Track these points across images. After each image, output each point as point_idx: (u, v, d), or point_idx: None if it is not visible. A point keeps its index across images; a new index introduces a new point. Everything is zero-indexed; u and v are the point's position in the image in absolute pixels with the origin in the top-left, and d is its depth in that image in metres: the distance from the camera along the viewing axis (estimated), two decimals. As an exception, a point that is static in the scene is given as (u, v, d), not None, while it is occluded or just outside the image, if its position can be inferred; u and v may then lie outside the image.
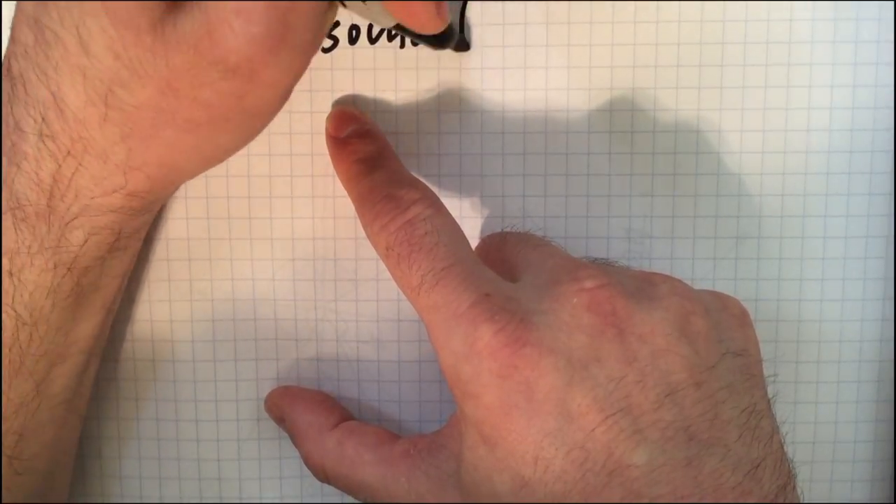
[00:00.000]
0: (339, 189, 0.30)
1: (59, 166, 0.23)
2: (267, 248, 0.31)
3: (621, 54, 0.30)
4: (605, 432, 0.22)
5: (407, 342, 0.31)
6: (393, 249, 0.25)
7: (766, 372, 0.25)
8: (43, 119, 0.22)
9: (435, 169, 0.30)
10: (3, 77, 0.23)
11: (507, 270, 0.26)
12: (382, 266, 0.31)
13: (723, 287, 0.31)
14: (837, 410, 0.31)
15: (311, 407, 0.29)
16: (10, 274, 0.24)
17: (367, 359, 0.31)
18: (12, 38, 0.23)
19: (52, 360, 0.26)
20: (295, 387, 0.31)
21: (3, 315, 0.24)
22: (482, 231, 0.31)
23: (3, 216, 0.23)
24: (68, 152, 0.22)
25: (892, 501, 0.31)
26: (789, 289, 0.31)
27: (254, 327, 0.31)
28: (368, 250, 0.31)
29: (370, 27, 0.30)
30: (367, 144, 0.28)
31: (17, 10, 0.22)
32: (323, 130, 0.30)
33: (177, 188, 0.25)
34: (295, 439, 0.29)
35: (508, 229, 0.28)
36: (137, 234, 0.27)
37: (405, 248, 0.24)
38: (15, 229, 0.23)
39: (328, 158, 0.30)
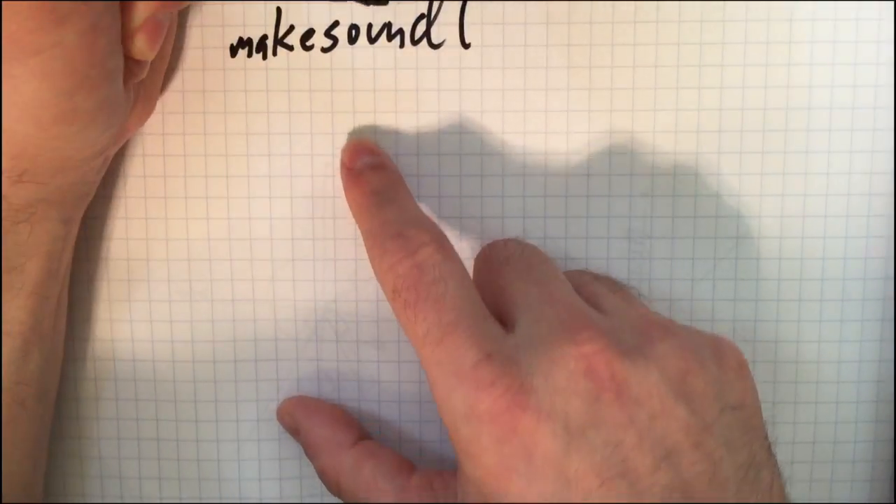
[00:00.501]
0: (339, 189, 0.30)
1: None
2: (266, 249, 0.31)
3: (621, 54, 0.30)
4: (603, 496, 0.22)
5: (407, 342, 0.31)
6: (400, 294, 0.25)
7: (764, 396, 0.25)
8: None
9: (435, 169, 0.30)
10: None
11: (504, 303, 0.25)
12: (382, 266, 0.31)
13: (722, 287, 0.31)
14: (837, 410, 0.31)
15: (328, 421, 0.30)
16: None
17: (367, 359, 0.31)
18: None
19: None
20: (311, 398, 0.31)
21: None
22: (482, 230, 0.31)
23: None
24: None
25: (892, 501, 0.31)
26: (789, 289, 0.31)
27: (253, 328, 0.31)
28: (368, 250, 0.31)
29: (370, 26, 0.30)
30: (380, 177, 0.29)
31: None
32: (322, 131, 0.30)
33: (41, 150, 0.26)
34: (310, 452, 0.29)
35: (511, 242, 0.28)
36: (40, 211, 0.27)
37: (412, 295, 0.25)
38: None
39: (328, 159, 0.30)
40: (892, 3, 0.29)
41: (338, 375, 0.31)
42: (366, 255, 0.30)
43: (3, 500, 0.28)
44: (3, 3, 0.22)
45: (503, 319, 0.25)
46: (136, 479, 0.32)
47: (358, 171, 0.29)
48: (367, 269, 0.30)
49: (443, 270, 0.25)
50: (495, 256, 0.27)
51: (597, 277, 0.28)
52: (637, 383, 0.23)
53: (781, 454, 0.30)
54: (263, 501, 0.32)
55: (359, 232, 0.31)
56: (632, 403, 0.23)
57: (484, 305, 0.25)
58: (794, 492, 0.31)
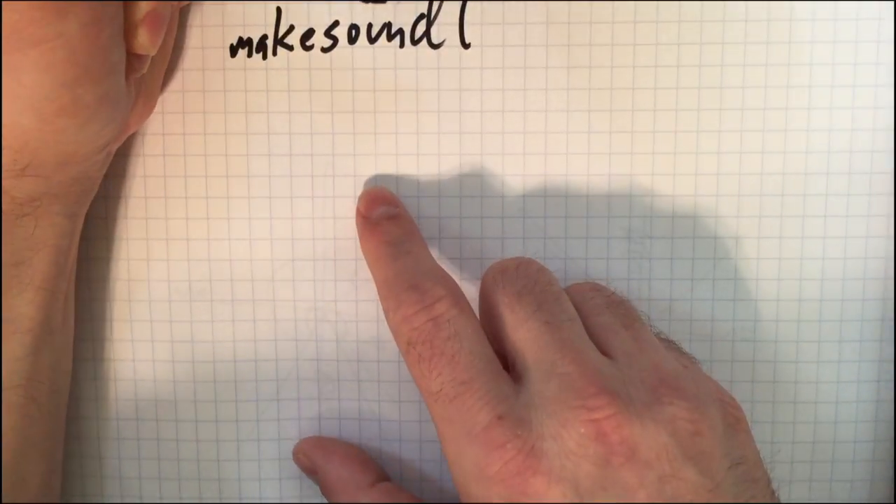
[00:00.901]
0: (339, 189, 0.30)
1: None
2: (266, 249, 0.31)
3: (621, 54, 0.30)
4: None
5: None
6: (415, 347, 0.25)
7: (763, 425, 0.26)
8: None
9: (435, 169, 0.30)
10: None
11: (512, 347, 0.25)
12: (382, 266, 0.31)
13: (722, 287, 0.31)
14: (837, 410, 0.31)
15: (346, 462, 0.30)
16: None
17: (367, 359, 0.31)
18: None
19: None
20: (328, 439, 0.31)
21: None
22: (482, 230, 0.31)
23: None
24: None
25: (893, 501, 0.31)
26: (789, 288, 0.31)
27: (253, 328, 0.31)
28: (368, 250, 0.31)
29: (370, 26, 0.30)
30: (396, 228, 0.29)
31: None
32: (322, 131, 0.30)
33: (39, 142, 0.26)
34: (328, 492, 0.29)
35: (521, 268, 0.27)
36: (44, 205, 0.27)
37: (427, 350, 0.25)
38: None
39: (328, 159, 0.30)
40: (892, 3, 0.29)
41: (338, 375, 0.31)
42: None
43: (22, 500, 0.28)
44: None
45: (511, 364, 0.25)
46: (136, 479, 0.32)
47: (374, 221, 0.29)
48: (367, 269, 0.30)
49: (458, 326, 0.25)
50: (506, 287, 0.26)
51: (609, 303, 0.27)
52: (647, 447, 0.23)
53: (781, 454, 0.31)
54: (263, 501, 0.32)
55: (357, 232, 0.31)
56: (642, 466, 0.23)
57: (497, 361, 0.25)
58: (794, 492, 0.31)
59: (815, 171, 0.30)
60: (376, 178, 0.30)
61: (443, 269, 0.27)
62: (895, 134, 0.30)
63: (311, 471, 0.31)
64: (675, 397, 0.24)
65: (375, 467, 0.30)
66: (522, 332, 0.25)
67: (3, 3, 0.22)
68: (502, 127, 0.30)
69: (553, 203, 0.30)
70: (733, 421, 0.25)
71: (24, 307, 0.27)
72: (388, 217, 0.29)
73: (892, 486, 0.31)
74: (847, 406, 0.31)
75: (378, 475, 0.30)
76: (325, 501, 0.30)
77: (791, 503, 0.25)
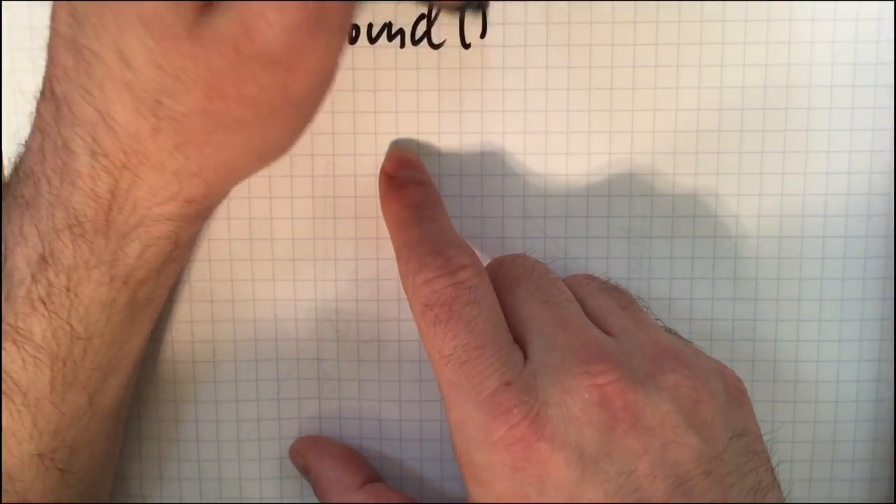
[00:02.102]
0: (340, 189, 0.30)
1: (116, 181, 0.23)
2: (267, 249, 0.31)
3: (621, 54, 0.30)
4: None
5: (407, 341, 0.31)
6: (431, 309, 0.25)
7: (763, 424, 0.26)
8: (93, 138, 0.22)
9: (436, 169, 0.30)
10: (44, 99, 0.23)
11: (515, 325, 0.26)
12: (383, 266, 0.31)
13: (722, 286, 0.31)
14: (837, 410, 0.31)
15: (337, 463, 0.30)
16: (67, 290, 0.24)
17: (367, 358, 0.31)
18: (51, 61, 0.23)
19: (105, 373, 0.26)
20: (322, 438, 0.31)
21: (59, 329, 0.24)
22: (482, 230, 0.31)
23: (61, 233, 0.23)
24: (123, 166, 0.22)
25: (892, 501, 0.31)
26: (788, 288, 0.31)
27: (253, 328, 0.31)
28: (368, 251, 0.31)
29: (370, 26, 0.30)
30: (422, 193, 0.29)
31: (52, 34, 0.22)
32: (324, 131, 0.30)
33: (230, 190, 0.26)
34: (319, 493, 0.30)
35: (519, 259, 0.28)
36: (190, 244, 0.27)
37: (444, 313, 0.25)
38: (73, 245, 0.24)
39: (328, 159, 0.30)
40: (892, 3, 0.29)
41: (338, 374, 0.31)
42: (366, 255, 0.31)
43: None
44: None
45: (514, 341, 0.25)
46: (138, 479, 0.32)
47: (400, 183, 0.29)
48: (367, 269, 0.31)
49: (477, 294, 0.25)
50: (504, 275, 0.27)
51: (604, 288, 0.28)
52: (650, 413, 0.23)
53: (781, 453, 0.31)
54: (264, 501, 0.32)
55: (359, 232, 0.31)
56: (645, 433, 0.23)
57: (509, 331, 0.25)
58: (794, 491, 0.31)
59: (814, 171, 0.30)
60: (377, 178, 0.30)
61: (465, 240, 0.27)
62: (894, 134, 0.30)
63: (305, 470, 0.31)
64: (676, 366, 0.24)
65: (367, 468, 0.30)
66: (522, 313, 0.26)
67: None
68: (503, 127, 0.30)
69: (553, 203, 0.31)
70: (736, 392, 0.25)
71: (140, 342, 0.27)
72: (415, 182, 0.29)
73: (892, 485, 0.31)
74: (847, 405, 0.31)
75: (369, 476, 0.30)
76: (325, 502, 0.30)
77: (791, 503, 0.25)
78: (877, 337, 0.31)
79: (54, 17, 0.22)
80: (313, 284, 0.31)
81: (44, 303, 0.24)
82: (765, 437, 0.25)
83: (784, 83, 0.30)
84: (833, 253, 0.31)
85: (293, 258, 0.31)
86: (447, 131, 0.30)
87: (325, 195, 0.31)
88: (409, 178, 0.29)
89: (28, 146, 0.24)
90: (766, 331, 0.31)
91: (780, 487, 0.25)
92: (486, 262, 0.28)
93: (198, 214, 0.25)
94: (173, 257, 0.26)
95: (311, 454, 0.30)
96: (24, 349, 0.24)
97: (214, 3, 0.20)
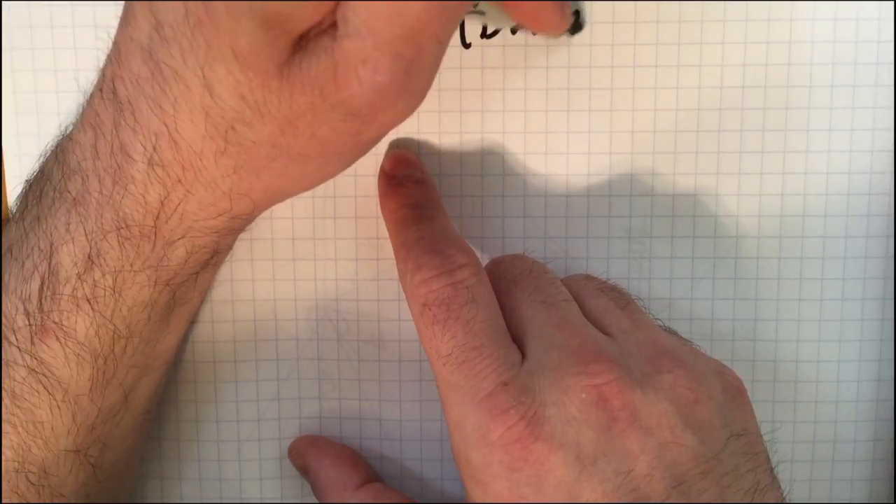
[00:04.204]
0: (340, 189, 0.30)
1: (168, 193, 0.23)
2: (267, 249, 0.31)
3: (621, 54, 0.30)
4: None
5: (408, 341, 0.31)
6: (430, 309, 0.25)
7: (764, 424, 0.26)
8: (154, 148, 0.22)
9: (436, 168, 0.30)
10: (103, 99, 0.23)
11: (513, 324, 0.26)
12: (383, 266, 0.31)
13: (722, 286, 0.31)
14: (837, 410, 0.31)
15: (336, 463, 0.30)
16: (113, 290, 0.24)
17: (367, 358, 0.31)
18: (118, 63, 0.22)
19: (140, 371, 0.26)
20: (321, 438, 0.31)
21: (102, 328, 0.25)
22: (482, 230, 0.31)
23: (109, 235, 0.24)
24: (178, 180, 0.23)
25: (893, 501, 0.31)
26: (789, 288, 0.31)
27: (253, 328, 0.31)
28: (368, 251, 0.31)
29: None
30: (421, 192, 0.29)
31: (126, 37, 0.22)
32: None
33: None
34: (318, 492, 0.30)
35: (517, 260, 0.28)
36: (228, 250, 0.27)
37: (442, 313, 0.25)
38: (120, 248, 0.24)
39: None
40: (893, 3, 0.29)
41: (338, 374, 0.31)
42: (366, 255, 0.31)
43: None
44: None
45: (512, 340, 0.25)
46: (139, 479, 0.32)
47: (399, 182, 0.29)
48: (367, 269, 0.31)
49: (475, 293, 0.25)
50: (502, 274, 0.27)
51: (603, 288, 0.28)
52: (648, 413, 0.23)
53: (781, 453, 0.31)
54: (264, 501, 0.32)
55: (359, 232, 0.31)
56: (642, 433, 0.23)
57: (507, 332, 0.25)
58: (794, 491, 0.31)
59: (815, 171, 0.30)
60: (377, 178, 0.30)
61: (464, 239, 0.27)
62: (895, 134, 0.30)
63: (304, 470, 0.31)
64: (674, 366, 0.24)
65: (365, 468, 0.30)
66: (520, 313, 0.26)
67: None
68: (503, 127, 0.30)
69: (553, 203, 0.31)
70: (735, 393, 0.25)
71: (175, 341, 0.28)
72: (414, 180, 0.29)
73: (892, 485, 0.31)
74: (847, 405, 0.31)
75: (367, 476, 0.30)
76: (325, 502, 0.30)
77: (791, 503, 0.25)
78: (877, 337, 0.31)
79: (132, 23, 0.22)
80: (313, 284, 0.31)
81: (89, 302, 0.24)
82: (765, 437, 0.25)
83: (784, 83, 0.30)
84: (833, 253, 0.31)
85: (293, 258, 0.31)
86: (447, 131, 0.30)
87: (325, 195, 0.31)
88: (409, 177, 0.29)
89: (77, 140, 0.24)
90: (766, 331, 0.31)
91: (779, 488, 0.25)
92: (486, 261, 0.28)
93: (241, 227, 0.25)
94: (212, 262, 0.26)
95: (310, 454, 0.30)
96: (67, 346, 0.24)
97: (311, 42, 0.20)
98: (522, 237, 0.31)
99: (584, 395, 0.23)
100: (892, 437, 0.31)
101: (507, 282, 0.27)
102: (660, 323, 0.27)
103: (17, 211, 0.26)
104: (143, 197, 0.23)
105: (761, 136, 0.30)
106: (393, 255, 0.28)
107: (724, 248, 0.31)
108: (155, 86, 0.21)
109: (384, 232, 0.30)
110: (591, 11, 0.29)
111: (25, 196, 0.25)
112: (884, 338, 0.31)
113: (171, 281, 0.25)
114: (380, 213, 0.30)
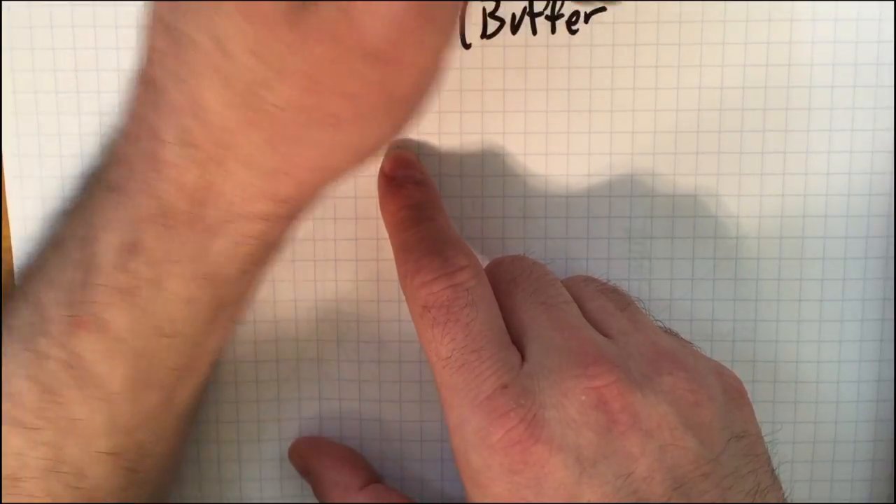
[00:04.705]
0: (341, 191, 0.30)
1: (204, 173, 0.22)
2: (267, 249, 0.31)
3: (622, 54, 0.30)
4: None
5: (408, 342, 0.31)
6: (430, 311, 0.25)
7: (764, 425, 0.26)
8: (183, 127, 0.21)
9: (436, 169, 0.30)
10: (138, 84, 0.22)
11: (513, 325, 0.26)
12: (383, 267, 0.31)
13: (722, 287, 0.31)
14: (837, 410, 0.31)
15: (337, 464, 0.30)
16: (151, 282, 0.23)
17: (367, 359, 0.31)
18: (146, 45, 0.22)
19: (182, 372, 0.25)
20: (322, 439, 0.31)
21: (141, 323, 0.23)
22: (483, 231, 0.31)
23: (148, 223, 0.23)
24: (211, 158, 0.22)
25: (893, 501, 0.31)
26: (789, 289, 0.31)
27: (253, 329, 0.31)
28: (368, 251, 0.31)
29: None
30: (421, 193, 0.28)
31: (152, 16, 0.22)
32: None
33: (322, 191, 0.24)
34: (319, 494, 0.29)
35: (517, 260, 0.27)
36: (278, 246, 0.26)
37: (442, 315, 0.25)
38: (158, 236, 0.23)
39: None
40: (893, 3, 0.29)
41: (338, 375, 0.31)
42: (366, 256, 0.31)
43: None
44: None
45: (512, 342, 0.25)
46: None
47: (399, 183, 0.29)
48: (367, 270, 0.30)
49: (475, 295, 0.25)
50: (502, 275, 0.27)
51: (603, 289, 0.28)
52: (648, 415, 0.23)
53: (782, 453, 0.31)
54: (265, 502, 0.32)
55: (359, 232, 0.31)
56: (642, 435, 0.23)
57: (507, 333, 0.25)
58: (794, 492, 0.31)
59: (815, 172, 0.30)
60: (376, 179, 0.30)
61: (464, 241, 0.27)
62: (895, 134, 0.30)
63: (305, 471, 0.31)
64: (674, 368, 0.24)
65: (367, 469, 0.30)
66: (520, 314, 0.26)
67: None
68: (503, 127, 0.30)
69: (554, 203, 0.31)
70: (736, 395, 0.25)
71: (219, 343, 0.26)
72: (414, 182, 0.29)
73: (893, 485, 0.31)
74: (847, 406, 0.31)
75: (369, 477, 0.30)
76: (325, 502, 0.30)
77: (791, 503, 0.25)
78: (877, 337, 0.31)
79: (157, 2, 0.21)
80: (313, 285, 0.31)
81: (128, 294, 0.23)
82: (766, 439, 0.25)
83: (785, 83, 0.30)
84: (834, 253, 0.31)
85: (293, 259, 0.31)
86: (447, 131, 0.30)
87: (325, 196, 0.30)
88: (408, 179, 0.29)
89: (116, 128, 0.23)
90: (766, 331, 0.31)
91: (780, 489, 0.25)
92: (486, 262, 0.28)
93: (288, 215, 0.24)
94: (260, 258, 0.25)
95: (311, 455, 0.30)
96: (103, 340, 0.23)
97: None
98: (522, 238, 0.31)
99: (583, 398, 0.23)
100: (893, 437, 0.31)
101: (507, 283, 0.27)
102: (660, 324, 0.27)
103: (66, 201, 0.24)
104: (180, 181, 0.22)
105: (762, 137, 0.30)
106: (392, 256, 0.28)
107: (725, 248, 0.31)
108: (176, 58, 0.21)
109: (384, 233, 0.30)
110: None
111: (75, 186, 0.24)
112: (884, 338, 0.31)
113: (214, 276, 0.24)
114: (379, 214, 0.30)
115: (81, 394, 0.24)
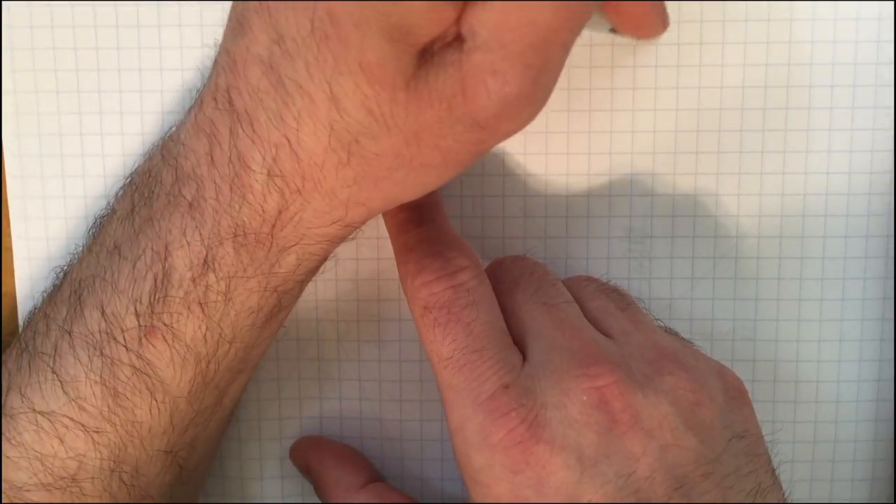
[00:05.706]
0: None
1: (286, 202, 0.23)
2: (267, 248, 0.31)
3: (621, 54, 0.30)
4: None
5: (408, 341, 0.31)
6: (431, 312, 0.25)
7: (764, 424, 0.26)
8: (274, 159, 0.22)
9: (435, 169, 0.30)
10: (218, 108, 0.23)
11: (514, 326, 0.26)
12: (384, 266, 0.31)
13: (722, 286, 0.31)
14: (837, 410, 0.31)
15: (339, 463, 0.30)
16: (225, 295, 0.24)
17: (368, 358, 0.31)
18: (234, 73, 0.22)
19: (234, 374, 0.27)
20: (323, 439, 0.31)
21: (210, 332, 0.25)
22: (483, 230, 0.31)
23: (225, 241, 0.24)
24: (297, 190, 0.23)
25: (893, 501, 0.31)
26: (789, 288, 0.31)
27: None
28: (369, 250, 0.31)
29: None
30: None
31: (244, 49, 0.22)
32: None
33: None
34: (321, 493, 0.30)
35: (518, 261, 0.28)
36: (329, 256, 0.27)
37: (443, 316, 0.25)
38: (235, 254, 0.24)
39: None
40: (893, 3, 0.29)
41: (339, 374, 0.31)
42: (366, 255, 0.31)
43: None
44: None
45: (513, 342, 0.25)
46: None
47: None
48: (368, 269, 0.30)
49: (476, 296, 0.25)
50: (503, 276, 0.27)
51: (604, 289, 0.28)
52: (649, 415, 0.23)
53: (782, 453, 0.31)
54: (265, 501, 0.32)
55: (359, 232, 0.31)
56: (644, 435, 0.23)
57: (508, 333, 0.25)
58: (794, 491, 0.31)
59: (815, 171, 0.30)
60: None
61: (465, 241, 0.27)
62: (895, 134, 0.30)
63: (306, 471, 0.31)
64: (674, 368, 0.24)
65: (368, 468, 0.30)
66: (521, 314, 0.26)
67: None
68: (503, 127, 0.30)
69: (554, 202, 0.31)
70: (736, 394, 0.25)
71: (265, 345, 0.27)
72: None
73: (893, 485, 0.31)
74: (847, 405, 0.31)
75: (370, 476, 0.30)
76: (321, 502, 0.30)
77: (792, 503, 0.25)
78: (877, 337, 0.31)
79: (248, 35, 0.22)
80: (314, 284, 0.31)
81: (201, 306, 0.24)
82: (766, 438, 0.25)
83: (784, 83, 0.30)
84: (834, 253, 0.31)
85: (294, 258, 0.31)
86: (448, 131, 0.30)
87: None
88: None
89: (190, 146, 0.24)
90: (766, 331, 0.31)
91: (781, 489, 0.25)
92: (486, 262, 0.28)
93: (349, 234, 0.25)
94: (315, 270, 0.26)
95: (312, 454, 0.30)
96: (174, 348, 0.25)
97: (436, 55, 0.21)
98: (523, 237, 0.31)
99: (585, 398, 0.23)
100: (893, 437, 0.31)
101: (507, 283, 0.27)
102: (660, 323, 0.27)
103: (120, 209, 0.25)
104: (262, 206, 0.23)
105: (761, 136, 0.30)
106: (393, 255, 0.28)
107: (725, 247, 0.31)
108: (277, 99, 0.21)
109: (384, 231, 0.30)
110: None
111: (130, 196, 0.25)
112: (884, 338, 0.31)
113: (280, 288, 0.25)
114: (379, 215, 0.30)
115: (148, 398, 0.25)
